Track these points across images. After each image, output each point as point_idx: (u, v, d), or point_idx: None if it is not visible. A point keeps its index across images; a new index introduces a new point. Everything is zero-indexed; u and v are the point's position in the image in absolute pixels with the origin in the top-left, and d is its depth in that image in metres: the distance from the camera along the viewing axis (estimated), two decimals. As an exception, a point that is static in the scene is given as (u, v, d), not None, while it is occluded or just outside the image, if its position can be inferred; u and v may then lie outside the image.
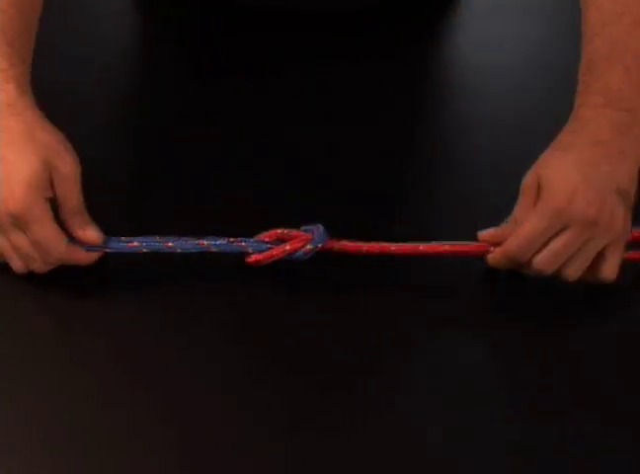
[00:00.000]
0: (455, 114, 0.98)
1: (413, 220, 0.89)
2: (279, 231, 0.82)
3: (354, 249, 0.83)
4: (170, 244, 0.82)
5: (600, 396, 0.78)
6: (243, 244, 0.82)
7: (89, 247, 0.81)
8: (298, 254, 0.82)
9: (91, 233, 0.81)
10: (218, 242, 0.82)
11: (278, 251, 0.82)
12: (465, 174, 0.94)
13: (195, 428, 0.74)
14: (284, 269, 0.83)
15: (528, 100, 1.01)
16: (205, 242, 0.82)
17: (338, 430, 0.74)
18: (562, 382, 0.78)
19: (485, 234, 0.84)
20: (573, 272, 0.81)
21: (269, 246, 0.82)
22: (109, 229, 0.82)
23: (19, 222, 0.78)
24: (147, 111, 0.99)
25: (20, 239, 0.79)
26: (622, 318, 0.84)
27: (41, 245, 0.78)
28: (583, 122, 0.81)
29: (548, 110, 1.00)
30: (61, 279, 0.82)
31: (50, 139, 0.80)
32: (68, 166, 0.80)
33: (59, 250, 0.79)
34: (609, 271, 0.82)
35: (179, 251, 0.82)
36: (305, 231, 0.82)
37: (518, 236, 0.81)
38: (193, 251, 0.82)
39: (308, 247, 0.82)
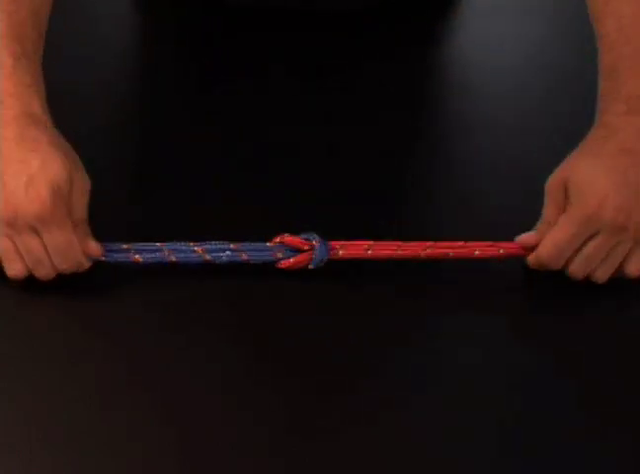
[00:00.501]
0: (455, 113, 0.98)
1: (413, 220, 0.89)
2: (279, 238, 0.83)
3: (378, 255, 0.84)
4: (173, 258, 0.82)
5: (600, 396, 0.78)
6: (245, 257, 0.83)
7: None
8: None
9: (93, 245, 0.81)
10: (223, 255, 0.82)
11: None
12: (465, 174, 0.94)
13: (194, 428, 0.74)
14: (284, 269, 0.83)
15: (528, 100, 1.01)
16: (209, 256, 0.82)
17: (337, 430, 0.74)
18: (562, 382, 0.78)
19: (523, 238, 0.84)
20: (602, 274, 0.83)
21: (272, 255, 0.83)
22: (108, 229, 0.82)
23: (40, 225, 0.78)
24: (147, 111, 1.00)
25: (34, 242, 0.79)
26: (623, 319, 0.84)
27: (60, 249, 0.79)
28: (610, 130, 0.82)
29: (548, 110, 1.01)
30: (61, 280, 0.82)
31: (72, 153, 0.82)
32: (86, 181, 0.81)
33: (77, 255, 0.80)
34: (635, 268, 0.83)
35: (180, 262, 0.82)
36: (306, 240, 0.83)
37: (549, 243, 0.82)
38: (195, 262, 0.82)
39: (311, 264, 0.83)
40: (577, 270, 0.82)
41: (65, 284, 0.81)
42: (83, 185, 0.81)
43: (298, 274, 0.83)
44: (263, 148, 0.94)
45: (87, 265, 0.81)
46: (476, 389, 0.78)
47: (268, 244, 0.83)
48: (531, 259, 0.83)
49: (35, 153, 0.79)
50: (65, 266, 0.80)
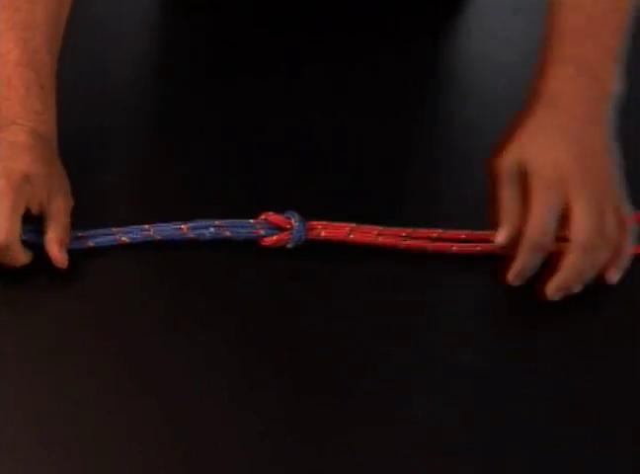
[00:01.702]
0: (455, 113, 0.98)
1: (413, 220, 0.89)
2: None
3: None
4: (158, 237, 0.84)
5: (600, 396, 0.78)
6: (228, 234, 0.84)
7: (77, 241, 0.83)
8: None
9: (61, 256, 0.81)
10: (207, 232, 0.84)
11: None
12: (465, 174, 0.94)
13: (194, 428, 0.74)
14: (284, 269, 0.83)
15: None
16: (192, 234, 0.84)
17: (338, 430, 0.74)
18: (562, 382, 0.78)
19: (499, 239, 0.82)
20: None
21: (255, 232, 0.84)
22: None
23: None
24: (152, 107, 1.00)
25: None
26: (623, 319, 0.84)
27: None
28: (555, 96, 0.81)
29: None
30: (61, 280, 0.82)
31: (65, 177, 0.84)
32: (68, 200, 0.83)
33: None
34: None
35: (160, 238, 0.84)
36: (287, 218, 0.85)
37: (532, 229, 0.79)
38: (179, 239, 0.84)
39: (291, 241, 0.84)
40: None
41: (65, 284, 0.82)
42: (67, 199, 0.83)
43: (298, 274, 0.84)
44: (264, 146, 0.95)
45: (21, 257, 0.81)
46: (476, 389, 0.78)
47: (251, 221, 0.85)
48: (521, 252, 0.81)
49: (29, 154, 0.81)
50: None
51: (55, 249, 0.81)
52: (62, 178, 0.84)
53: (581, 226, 0.79)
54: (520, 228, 0.80)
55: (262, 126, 0.97)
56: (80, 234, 0.83)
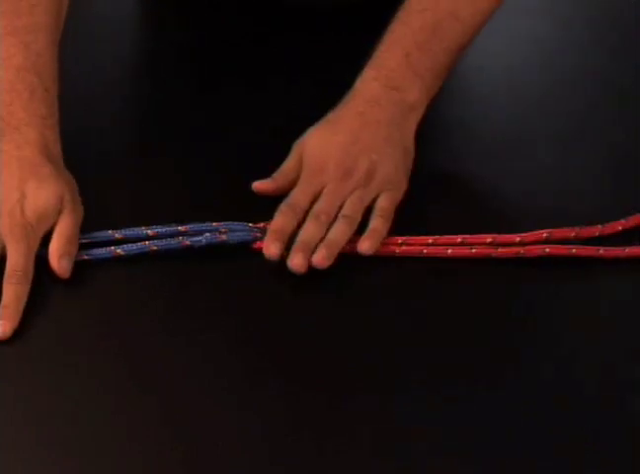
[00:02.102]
0: (455, 113, 0.98)
1: (413, 220, 0.89)
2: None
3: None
4: (154, 248, 0.83)
5: (600, 396, 0.78)
6: (224, 237, 0.84)
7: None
8: None
9: (61, 267, 0.81)
10: (202, 238, 0.84)
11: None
12: (465, 174, 0.94)
13: (194, 428, 0.74)
14: (284, 269, 0.83)
15: (528, 100, 1.01)
16: (189, 242, 0.84)
17: (338, 430, 0.74)
18: (562, 382, 0.78)
19: (257, 184, 0.89)
20: (339, 231, 0.85)
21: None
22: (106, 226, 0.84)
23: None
24: (142, 101, 1.00)
25: None
26: (624, 317, 0.84)
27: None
28: (352, 94, 0.90)
29: (548, 109, 1.01)
30: (59, 280, 0.82)
31: (71, 184, 0.85)
32: (78, 211, 0.84)
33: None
34: (383, 205, 0.87)
35: (162, 250, 0.84)
36: None
37: (285, 204, 0.86)
38: (174, 249, 0.84)
39: None
40: (309, 231, 0.84)
41: (65, 284, 0.82)
42: (74, 211, 0.83)
43: (297, 274, 0.84)
44: (260, 148, 0.95)
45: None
46: (476, 389, 0.78)
47: (249, 224, 0.85)
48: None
49: (35, 175, 0.82)
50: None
51: (55, 261, 0.81)
52: (71, 189, 0.85)
53: (314, 207, 0.86)
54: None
55: (262, 128, 0.97)
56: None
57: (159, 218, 0.85)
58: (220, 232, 0.84)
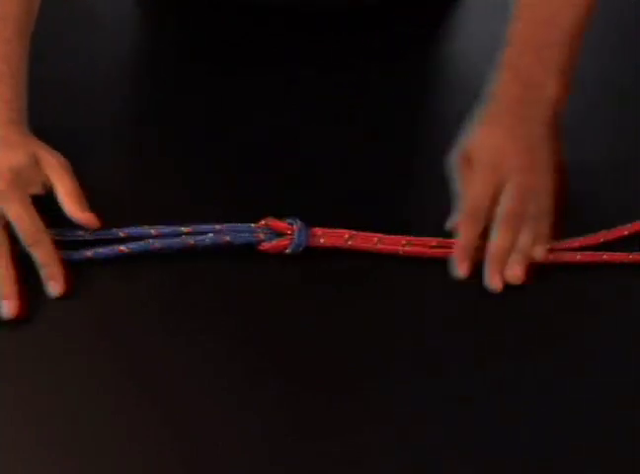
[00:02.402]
0: (455, 113, 0.98)
1: (412, 221, 0.89)
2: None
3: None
4: (157, 246, 0.83)
5: (601, 397, 0.78)
6: (227, 239, 0.84)
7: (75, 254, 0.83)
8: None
9: (89, 216, 0.83)
10: (206, 238, 0.84)
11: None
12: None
13: (194, 428, 0.74)
14: (284, 269, 0.83)
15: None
16: (192, 241, 0.84)
17: (338, 430, 0.74)
18: (563, 382, 0.78)
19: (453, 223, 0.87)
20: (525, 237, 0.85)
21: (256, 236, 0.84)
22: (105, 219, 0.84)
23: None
24: (147, 108, 1.00)
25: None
26: (624, 317, 0.84)
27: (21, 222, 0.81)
28: (496, 97, 0.90)
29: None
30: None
31: (42, 144, 0.85)
32: (58, 157, 0.85)
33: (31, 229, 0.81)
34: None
35: (165, 249, 0.84)
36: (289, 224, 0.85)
37: (466, 203, 0.86)
38: (177, 247, 0.84)
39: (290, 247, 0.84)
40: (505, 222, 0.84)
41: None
42: (58, 160, 0.84)
43: (298, 274, 0.84)
44: (259, 149, 0.95)
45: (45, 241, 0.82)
46: (477, 389, 0.78)
47: (252, 225, 0.85)
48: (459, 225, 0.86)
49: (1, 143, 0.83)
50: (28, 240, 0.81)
51: (80, 216, 0.83)
52: (44, 147, 0.85)
53: (503, 206, 0.85)
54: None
55: (262, 128, 0.97)
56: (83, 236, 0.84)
57: (159, 218, 0.85)
58: (224, 233, 0.84)
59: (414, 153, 0.97)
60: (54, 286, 0.80)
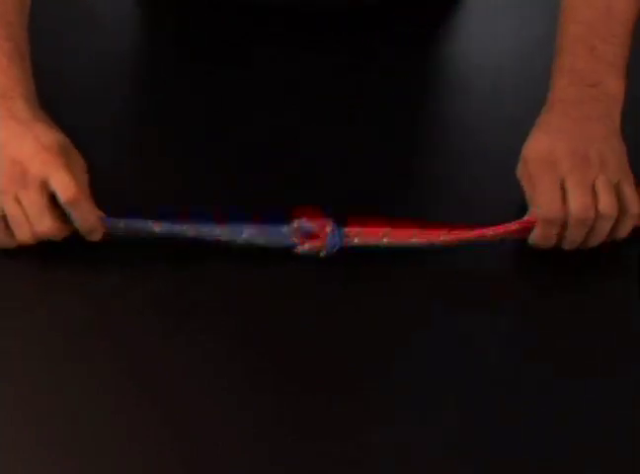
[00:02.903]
0: (455, 113, 0.98)
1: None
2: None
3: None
4: (191, 233, 0.83)
5: (601, 397, 0.78)
6: (262, 241, 0.84)
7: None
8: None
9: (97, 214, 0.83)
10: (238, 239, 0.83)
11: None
12: (465, 174, 0.94)
13: (194, 428, 0.74)
14: (283, 267, 0.83)
15: (528, 100, 1.01)
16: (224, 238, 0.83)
17: (338, 430, 0.74)
18: (563, 382, 0.78)
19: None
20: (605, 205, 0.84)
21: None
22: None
23: (49, 170, 0.80)
24: (147, 108, 1.00)
25: (15, 207, 0.80)
26: (624, 318, 0.84)
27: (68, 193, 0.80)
28: (550, 103, 0.88)
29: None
30: (61, 280, 0.82)
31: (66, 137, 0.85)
32: (82, 160, 0.85)
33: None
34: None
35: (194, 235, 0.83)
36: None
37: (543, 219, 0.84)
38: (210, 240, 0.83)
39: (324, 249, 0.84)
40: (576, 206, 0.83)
41: (64, 284, 0.82)
42: (80, 162, 0.84)
43: (298, 273, 0.84)
44: (260, 149, 0.95)
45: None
46: (477, 389, 0.78)
47: (285, 228, 0.84)
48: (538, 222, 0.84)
49: (35, 123, 0.83)
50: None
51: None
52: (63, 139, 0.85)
53: (572, 202, 0.83)
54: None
55: (262, 128, 0.97)
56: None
57: (159, 218, 0.85)
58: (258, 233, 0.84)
59: (414, 153, 0.97)
60: (94, 237, 0.82)
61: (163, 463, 0.72)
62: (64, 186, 0.80)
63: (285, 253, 0.84)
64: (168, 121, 0.97)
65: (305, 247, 0.84)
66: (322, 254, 0.84)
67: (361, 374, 0.78)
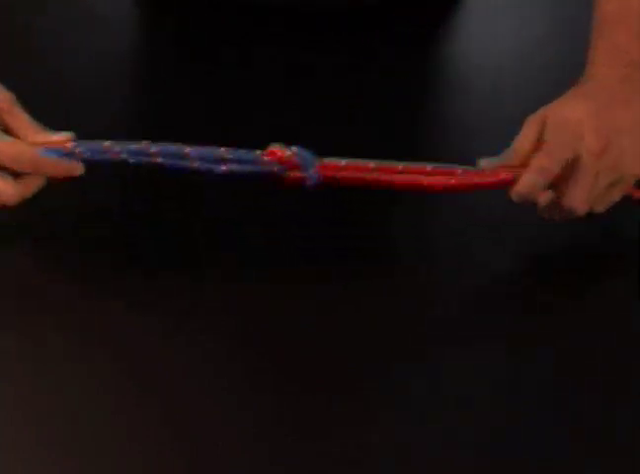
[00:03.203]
0: (455, 113, 0.98)
1: (411, 221, 0.89)
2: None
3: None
4: (159, 160, 0.81)
5: (601, 397, 0.78)
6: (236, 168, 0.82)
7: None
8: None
9: (57, 136, 0.81)
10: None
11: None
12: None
13: (194, 428, 0.74)
14: (283, 267, 0.83)
15: (528, 100, 1.01)
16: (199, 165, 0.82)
17: (338, 430, 0.74)
18: (563, 383, 0.78)
19: (488, 164, 0.85)
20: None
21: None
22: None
23: None
24: (147, 108, 1.00)
25: None
26: (625, 323, 0.84)
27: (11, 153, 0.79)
28: (589, 77, 0.86)
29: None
30: (60, 279, 0.82)
31: None
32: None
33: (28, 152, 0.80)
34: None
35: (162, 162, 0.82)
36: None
37: (531, 170, 0.82)
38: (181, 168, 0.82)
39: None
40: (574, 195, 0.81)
41: (64, 284, 0.82)
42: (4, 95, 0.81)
43: (298, 272, 0.84)
44: (258, 144, 0.95)
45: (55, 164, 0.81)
46: (477, 389, 0.78)
47: (257, 152, 0.82)
48: (526, 177, 0.82)
49: None
50: (25, 165, 0.80)
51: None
52: None
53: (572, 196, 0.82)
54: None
55: (262, 128, 0.97)
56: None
57: (159, 219, 0.85)
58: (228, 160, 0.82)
59: (414, 153, 0.96)
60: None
61: (163, 463, 0.72)
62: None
63: (286, 251, 0.84)
64: (168, 121, 0.97)
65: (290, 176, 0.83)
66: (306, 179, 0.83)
67: (361, 374, 0.78)
